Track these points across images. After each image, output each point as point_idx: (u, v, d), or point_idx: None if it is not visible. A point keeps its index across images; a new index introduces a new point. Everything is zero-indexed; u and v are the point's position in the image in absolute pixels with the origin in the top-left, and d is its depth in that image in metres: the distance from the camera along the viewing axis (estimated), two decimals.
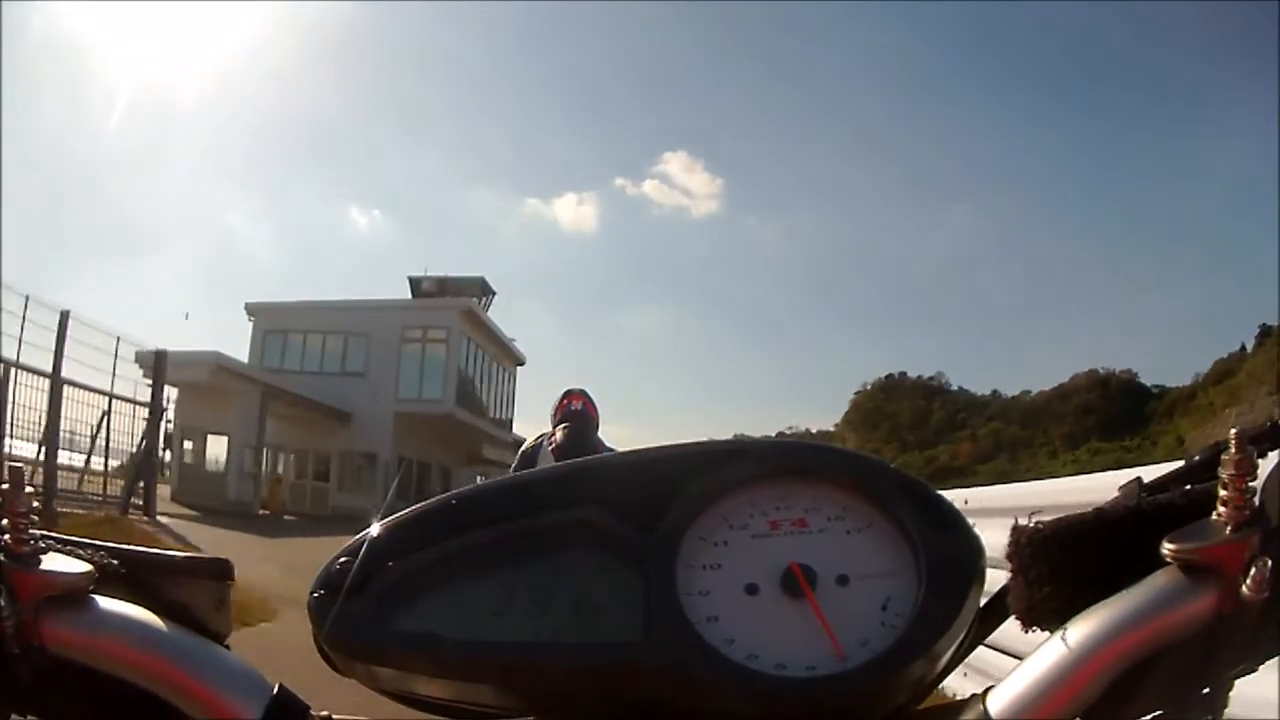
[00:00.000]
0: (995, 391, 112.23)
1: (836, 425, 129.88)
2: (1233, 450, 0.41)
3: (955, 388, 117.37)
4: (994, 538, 0.50)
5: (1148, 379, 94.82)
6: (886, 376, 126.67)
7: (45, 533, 0.46)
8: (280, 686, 0.46)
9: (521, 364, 34.88)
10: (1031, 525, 0.46)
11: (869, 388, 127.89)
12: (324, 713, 0.47)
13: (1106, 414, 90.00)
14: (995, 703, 0.43)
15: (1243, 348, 75.78)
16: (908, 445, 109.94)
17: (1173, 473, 0.47)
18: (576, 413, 3.85)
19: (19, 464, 0.46)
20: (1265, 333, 74.02)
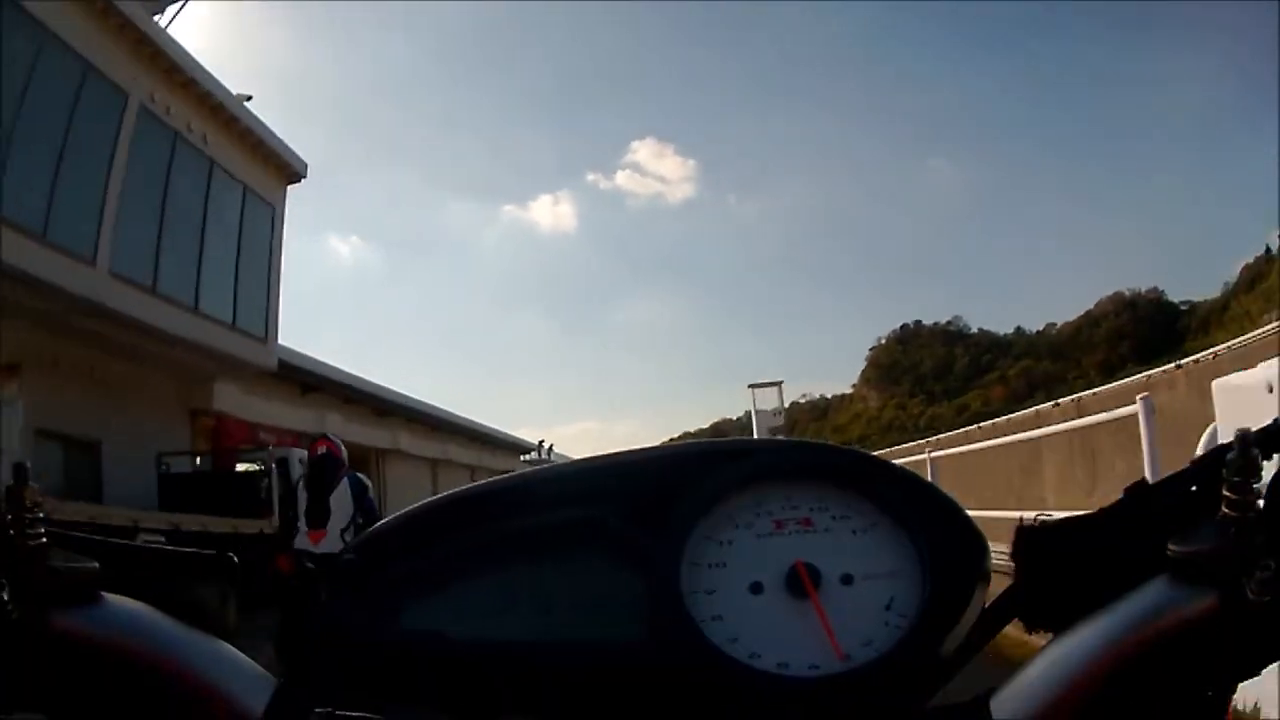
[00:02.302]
0: (1019, 329, 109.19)
1: (854, 385, 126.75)
2: (1237, 452, 0.41)
3: (975, 330, 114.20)
4: None
5: (1173, 295, 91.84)
6: (901, 327, 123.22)
7: (51, 529, 0.45)
8: (283, 683, 0.46)
9: (295, 181, 15.84)
10: (1035, 526, 0.46)
11: (884, 341, 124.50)
12: (327, 709, 0.47)
13: (1139, 336, 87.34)
14: (998, 704, 0.43)
15: (1267, 249, 73.02)
16: (934, 396, 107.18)
17: (1178, 474, 0.47)
18: (322, 455, 5.16)
19: (24, 461, 0.45)
20: None
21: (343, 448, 5.26)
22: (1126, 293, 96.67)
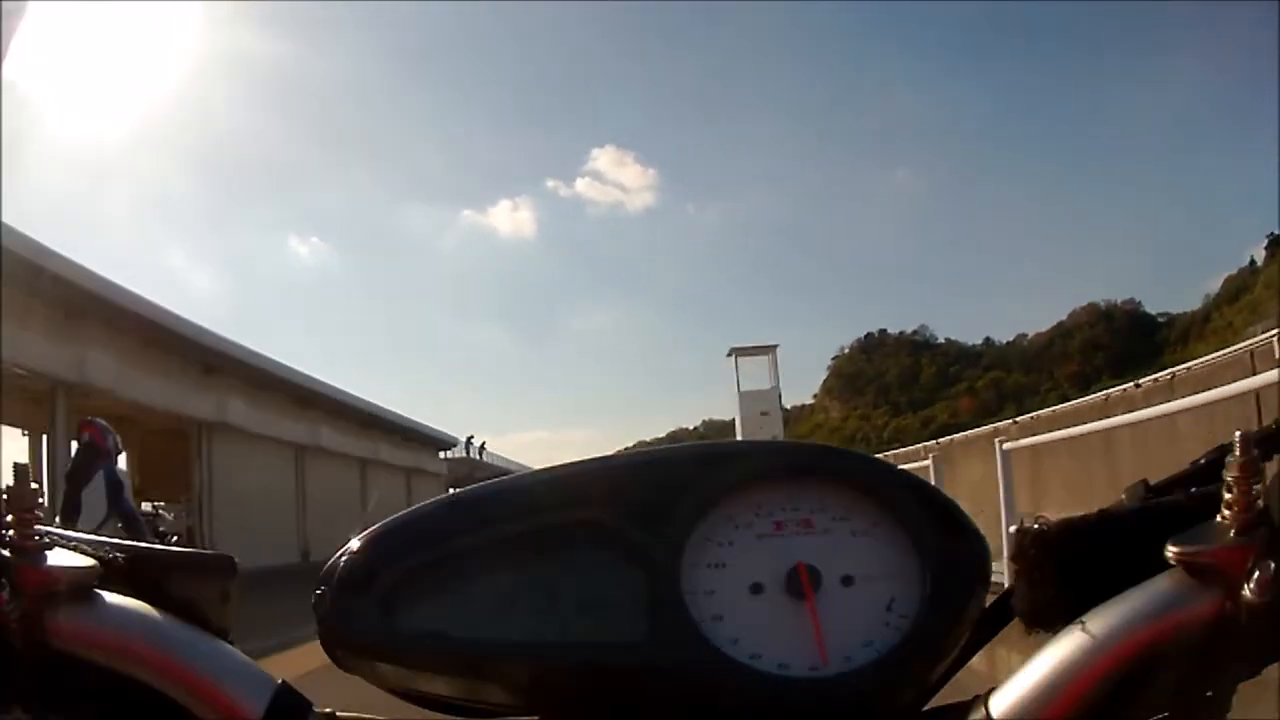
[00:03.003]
0: (988, 339, 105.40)
1: (815, 396, 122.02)
2: (1238, 453, 0.41)
3: (942, 340, 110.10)
4: None
5: (1150, 308, 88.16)
6: (865, 336, 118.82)
7: (50, 529, 0.46)
8: (283, 683, 0.46)
9: None
10: (1035, 527, 0.46)
11: (847, 351, 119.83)
12: (327, 709, 0.47)
13: (1114, 349, 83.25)
14: (998, 704, 0.43)
15: (1251, 261, 69.50)
16: (899, 408, 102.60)
17: (1177, 475, 0.47)
18: (85, 443, 4.75)
19: (24, 461, 0.46)
20: (1277, 241, 67.86)
21: (110, 435, 4.83)
22: (1101, 304, 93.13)
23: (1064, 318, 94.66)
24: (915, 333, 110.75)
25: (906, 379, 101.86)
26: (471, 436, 42.03)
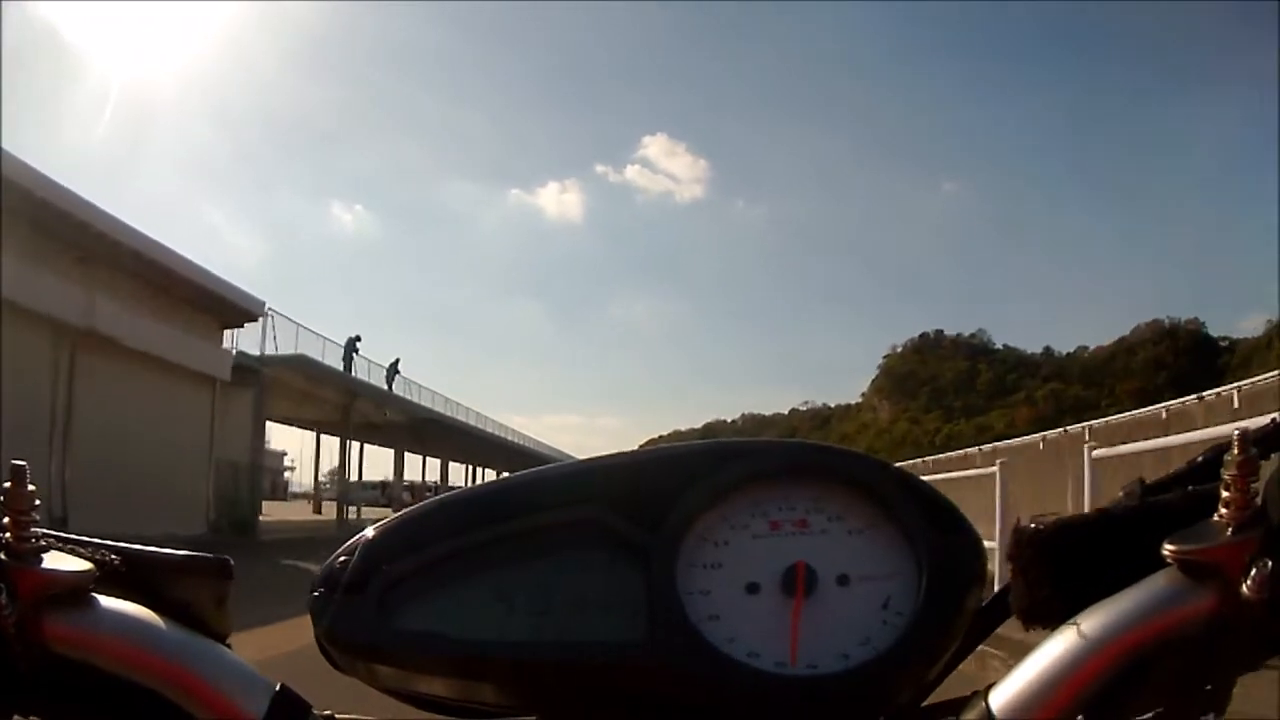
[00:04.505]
0: (1048, 349, 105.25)
1: (864, 394, 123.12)
2: (1235, 451, 0.41)
3: (1000, 346, 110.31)
4: None
5: (1213, 330, 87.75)
6: (920, 336, 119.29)
7: (46, 531, 0.45)
8: (281, 685, 0.46)
9: None
10: (1032, 525, 0.46)
11: (900, 350, 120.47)
12: (325, 711, 0.47)
13: (1177, 368, 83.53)
14: (996, 701, 0.43)
15: None
16: (953, 413, 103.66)
17: (1174, 473, 0.47)
18: None
19: (21, 461, 0.45)
20: None
21: None
22: (1166, 321, 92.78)
23: (1126, 333, 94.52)
24: (973, 336, 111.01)
25: (962, 384, 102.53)
26: (357, 338, 27.19)
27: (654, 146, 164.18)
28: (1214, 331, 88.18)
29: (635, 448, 0.58)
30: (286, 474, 62.80)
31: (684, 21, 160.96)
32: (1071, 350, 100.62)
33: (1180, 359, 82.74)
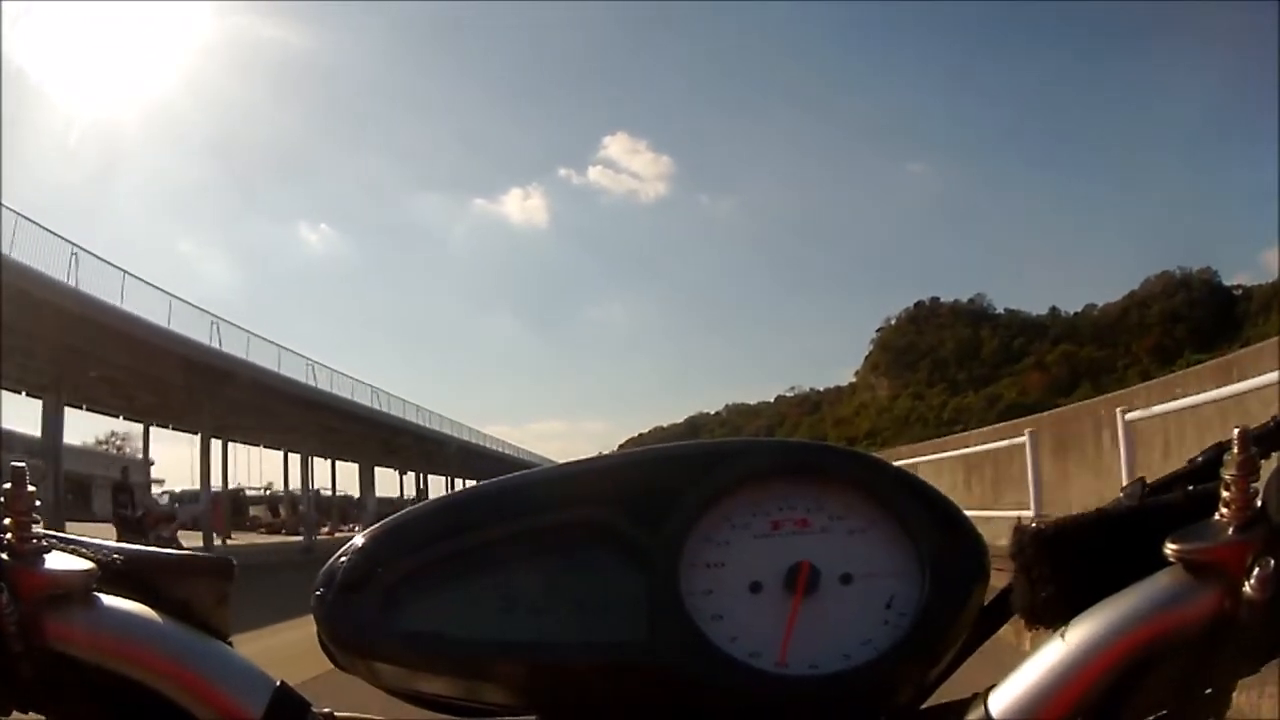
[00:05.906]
0: (1054, 310, 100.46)
1: (857, 373, 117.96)
2: (1236, 450, 0.41)
3: (1001, 310, 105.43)
4: None
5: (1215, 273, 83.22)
6: (915, 305, 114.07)
7: (47, 531, 0.46)
8: (281, 683, 0.46)
9: None
10: (1034, 525, 0.46)
11: (894, 322, 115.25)
12: (325, 710, 0.47)
13: (1194, 320, 78.99)
14: (997, 702, 0.43)
15: None
16: (958, 385, 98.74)
17: (1176, 473, 0.47)
18: None
19: (21, 463, 0.46)
20: None
21: None
22: (1177, 272, 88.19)
23: (1136, 287, 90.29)
24: (972, 301, 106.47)
25: (965, 353, 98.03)
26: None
27: (615, 146, 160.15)
28: (1226, 279, 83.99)
29: (614, 449, 0.55)
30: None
31: (636, 17, 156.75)
32: (1080, 309, 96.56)
33: (1195, 309, 78.62)
